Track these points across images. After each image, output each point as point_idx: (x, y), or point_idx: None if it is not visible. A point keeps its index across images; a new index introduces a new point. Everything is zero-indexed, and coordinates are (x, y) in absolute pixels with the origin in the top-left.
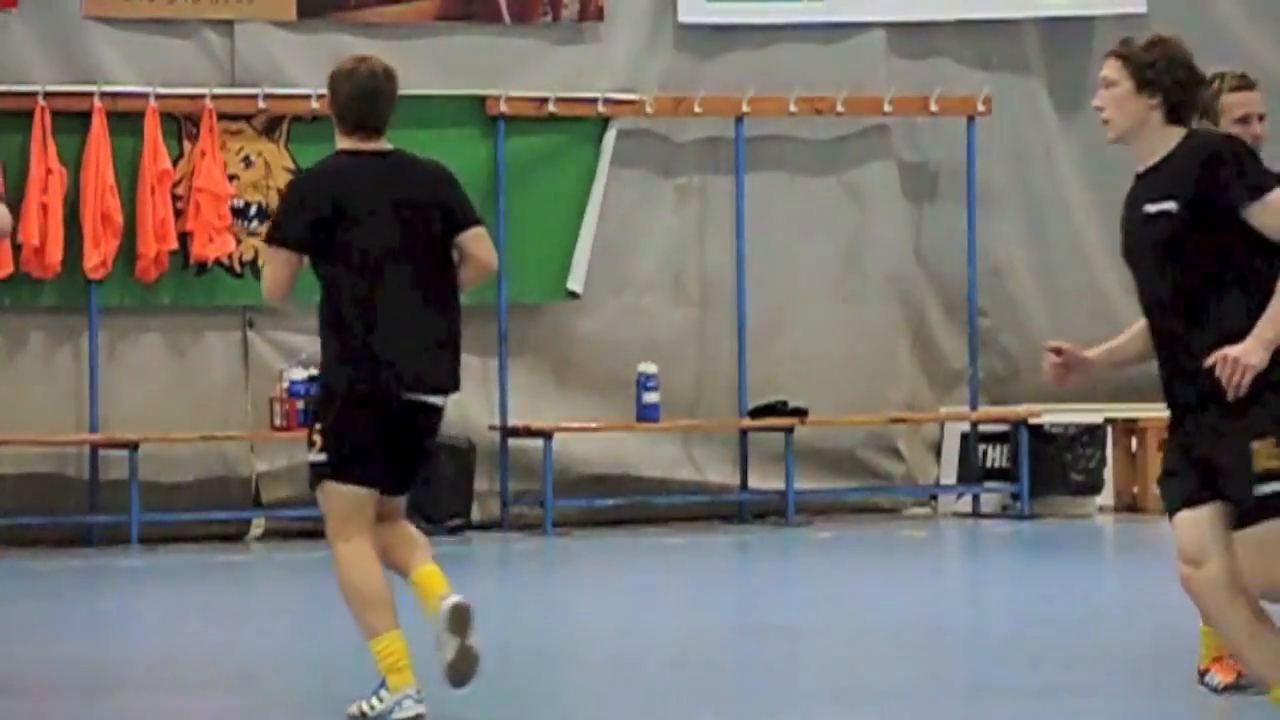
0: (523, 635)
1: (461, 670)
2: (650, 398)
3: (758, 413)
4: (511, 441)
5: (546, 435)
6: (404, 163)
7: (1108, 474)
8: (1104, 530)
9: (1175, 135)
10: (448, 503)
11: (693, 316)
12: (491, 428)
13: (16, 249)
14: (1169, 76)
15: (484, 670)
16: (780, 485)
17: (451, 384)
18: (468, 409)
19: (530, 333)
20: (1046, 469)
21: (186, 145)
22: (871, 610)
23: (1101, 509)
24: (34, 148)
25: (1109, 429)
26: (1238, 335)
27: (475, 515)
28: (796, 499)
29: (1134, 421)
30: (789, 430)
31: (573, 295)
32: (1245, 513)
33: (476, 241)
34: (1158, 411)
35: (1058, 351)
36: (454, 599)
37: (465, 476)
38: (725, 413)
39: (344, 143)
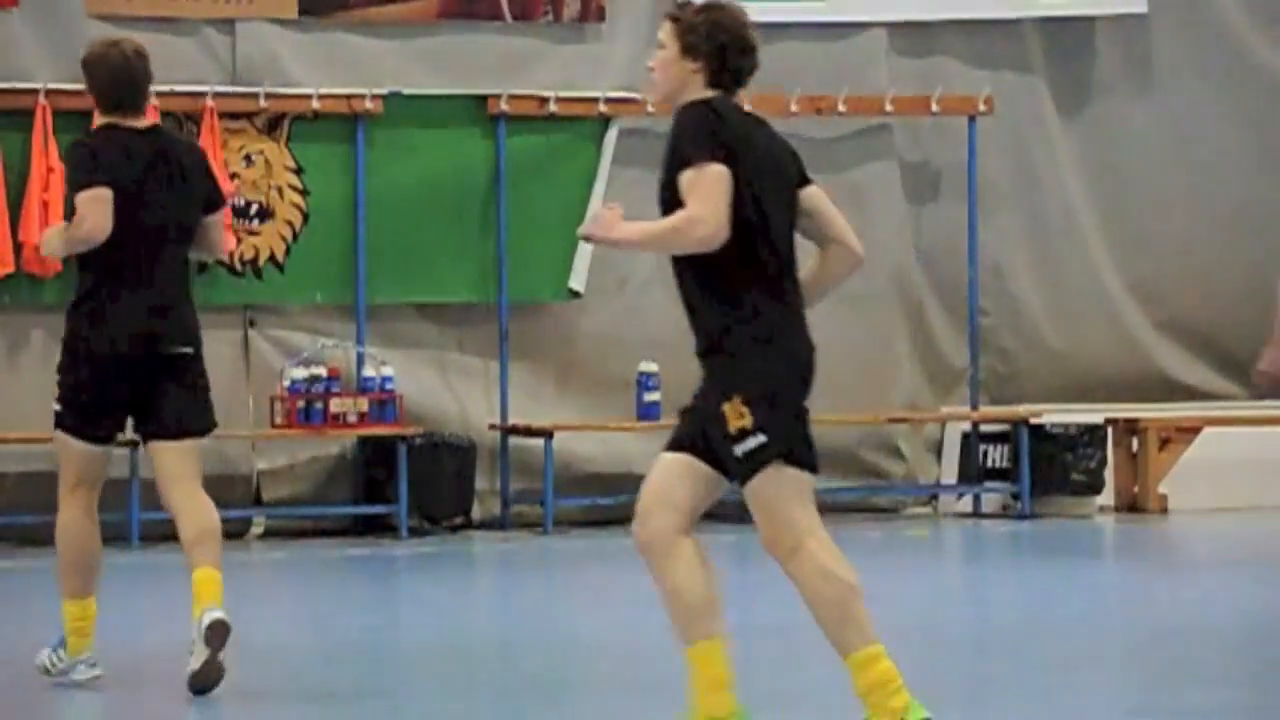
0: (523, 634)
1: (204, 679)
2: (651, 397)
3: None
4: (512, 440)
5: (547, 434)
6: (164, 139)
7: (1108, 474)
8: (1105, 530)
9: None
10: (449, 501)
11: None
12: (492, 426)
13: (17, 248)
14: (712, 43)
15: (485, 669)
16: None
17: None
18: (469, 408)
19: (531, 332)
20: (1047, 469)
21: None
22: (871, 610)
23: (1102, 509)
24: (35, 146)
25: (1110, 429)
26: (726, 300)
27: (476, 514)
28: None
29: (1135, 421)
30: None
31: (574, 294)
32: (736, 475)
33: (217, 226)
34: (1159, 411)
35: None
36: (217, 614)
37: (466, 475)
38: None
39: (106, 119)
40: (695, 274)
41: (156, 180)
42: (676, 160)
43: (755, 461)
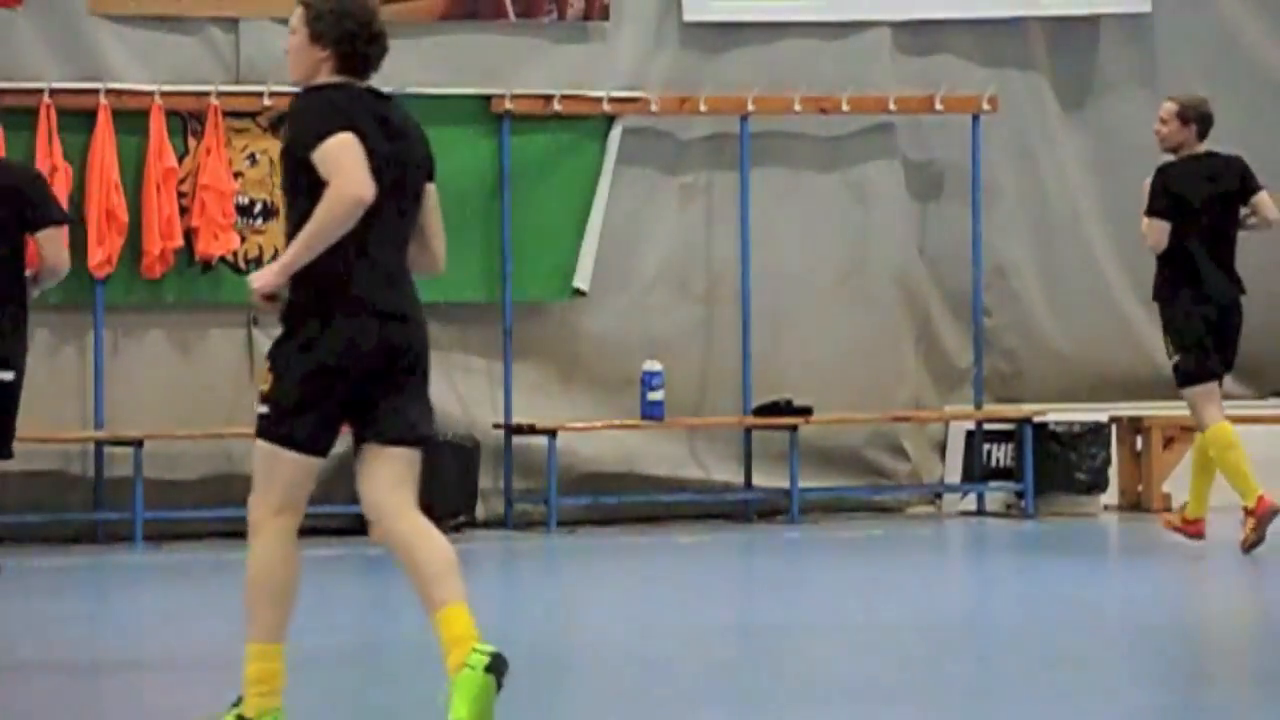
0: (525, 633)
1: None
2: (655, 396)
3: (762, 411)
4: (516, 439)
5: (551, 433)
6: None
7: (1112, 473)
8: (1109, 529)
9: None
10: (452, 500)
11: (697, 314)
12: (496, 426)
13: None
14: (339, 30)
15: None
16: (785, 484)
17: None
18: (472, 407)
19: (535, 331)
20: (1051, 468)
21: (191, 142)
22: (875, 609)
23: (1106, 508)
24: (39, 145)
25: (1114, 428)
26: (307, 276)
27: (479, 513)
28: (801, 498)
29: (1139, 420)
30: (793, 429)
31: (578, 293)
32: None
33: (49, 241)
34: (1163, 410)
35: None
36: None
37: (469, 474)
38: (730, 411)
39: None
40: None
41: None
42: (300, 147)
43: (259, 427)
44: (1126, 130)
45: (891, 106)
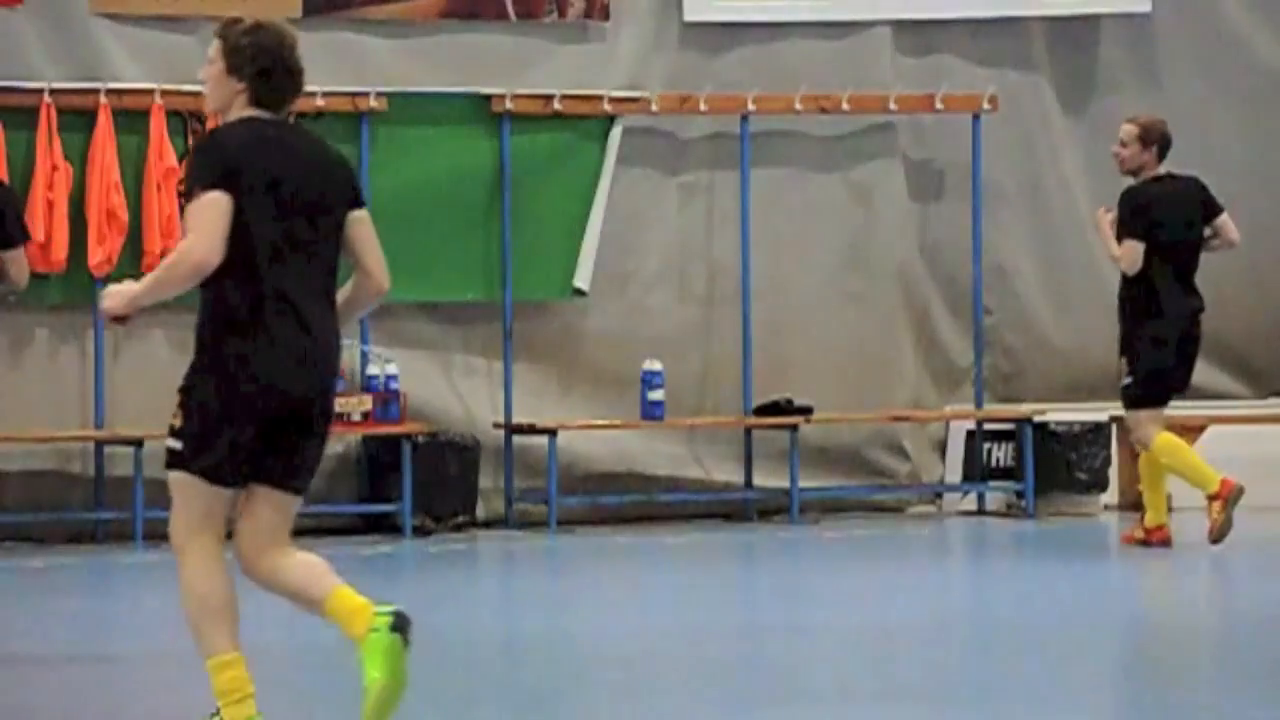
0: (526, 633)
1: None
2: (655, 395)
3: (762, 411)
4: (516, 439)
5: (551, 433)
6: None
7: (1113, 472)
8: (1109, 529)
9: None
10: (452, 500)
11: (698, 314)
12: (496, 425)
13: None
14: (255, 65)
15: (488, 668)
16: (785, 484)
17: None
18: (473, 406)
19: (535, 330)
20: (1051, 467)
21: (192, 142)
22: (876, 609)
23: (1107, 507)
24: (39, 144)
25: (1114, 427)
26: (216, 314)
27: (480, 513)
28: (801, 497)
29: None
30: (793, 428)
31: (578, 293)
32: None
33: (16, 260)
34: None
35: None
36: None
37: (470, 474)
38: (730, 410)
39: None
40: (204, 291)
41: None
42: (187, 187)
43: (168, 460)
44: None
45: (892, 106)
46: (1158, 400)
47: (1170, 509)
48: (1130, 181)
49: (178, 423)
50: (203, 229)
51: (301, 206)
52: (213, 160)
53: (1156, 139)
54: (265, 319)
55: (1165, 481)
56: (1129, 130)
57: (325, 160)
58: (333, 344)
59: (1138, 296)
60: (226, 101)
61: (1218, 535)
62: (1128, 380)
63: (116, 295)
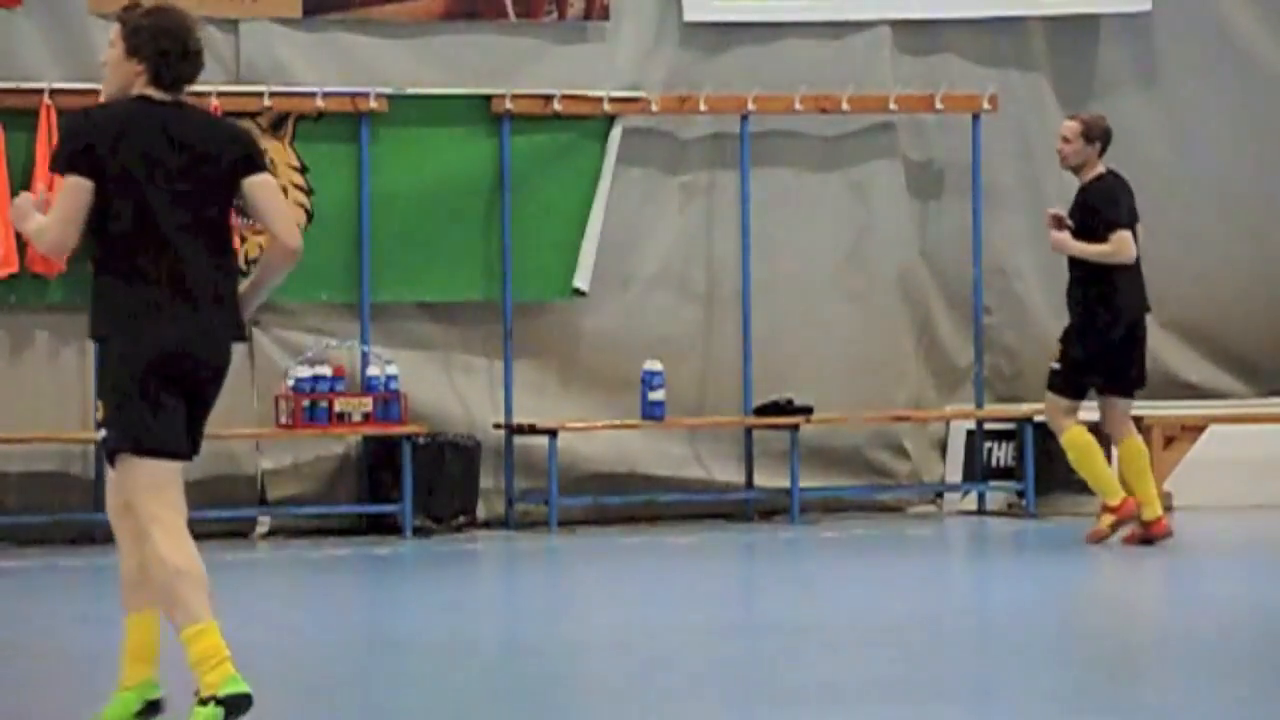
0: (527, 633)
1: None
2: (656, 396)
3: (763, 411)
4: (517, 439)
5: (551, 433)
6: None
7: (1112, 473)
8: None
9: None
10: (453, 500)
11: (698, 314)
12: (497, 426)
13: (22, 247)
14: (154, 47)
15: (489, 668)
16: (785, 484)
17: None
18: (473, 407)
19: (536, 331)
20: (1052, 467)
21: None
22: (876, 608)
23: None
24: (39, 145)
25: None
26: (97, 294)
27: (480, 513)
28: (801, 497)
29: (1139, 419)
30: (794, 428)
31: (578, 293)
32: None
33: None
34: (1163, 410)
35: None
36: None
37: (470, 474)
38: (731, 411)
39: None
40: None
41: None
42: (54, 166)
43: (108, 451)
44: (1127, 129)
45: (892, 106)
46: (1073, 393)
47: (1170, 508)
48: (1074, 180)
49: (100, 416)
50: (60, 213)
51: (179, 178)
52: (74, 142)
53: (1099, 135)
54: (160, 298)
55: (1149, 471)
56: (1071, 127)
57: (219, 133)
58: (221, 314)
59: (1087, 289)
60: (125, 83)
61: (1095, 540)
62: (1056, 364)
63: (19, 211)
